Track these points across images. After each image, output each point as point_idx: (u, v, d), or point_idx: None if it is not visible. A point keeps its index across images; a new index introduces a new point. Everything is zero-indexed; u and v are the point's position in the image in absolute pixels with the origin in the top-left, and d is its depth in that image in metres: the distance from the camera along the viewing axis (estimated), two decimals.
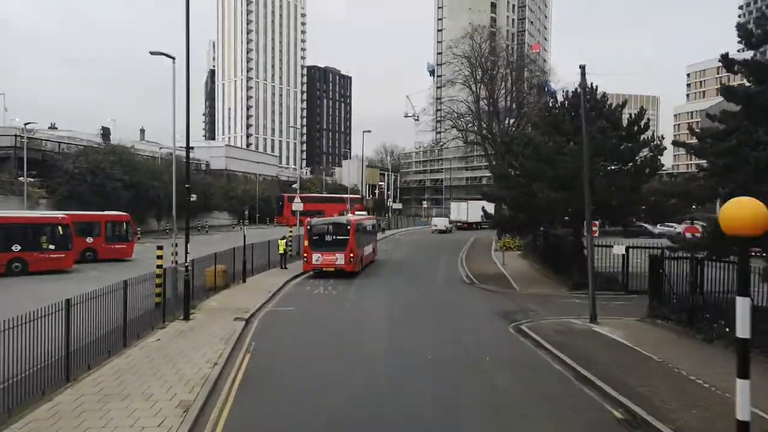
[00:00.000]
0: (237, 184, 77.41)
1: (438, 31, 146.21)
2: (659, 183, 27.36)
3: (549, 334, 15.80)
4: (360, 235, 29.15)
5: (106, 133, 57.99)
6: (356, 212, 37.21)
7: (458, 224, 71.89)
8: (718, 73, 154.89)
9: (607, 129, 23.50)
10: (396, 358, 13.48)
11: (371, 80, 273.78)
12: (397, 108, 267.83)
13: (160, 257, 18.85)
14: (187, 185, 18.79)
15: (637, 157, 24.19)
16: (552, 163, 23.95)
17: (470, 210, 69.25)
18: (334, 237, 27.33)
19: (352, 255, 27.04)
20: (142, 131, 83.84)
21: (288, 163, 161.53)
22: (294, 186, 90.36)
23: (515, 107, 44.86)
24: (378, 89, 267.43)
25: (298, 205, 37.11)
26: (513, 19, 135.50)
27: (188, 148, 18.68)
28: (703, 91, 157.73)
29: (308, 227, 27.61)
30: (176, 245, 21.03)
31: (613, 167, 23.73)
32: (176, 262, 20.03)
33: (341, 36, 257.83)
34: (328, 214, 70.56)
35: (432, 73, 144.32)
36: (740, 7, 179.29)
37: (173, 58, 19.80)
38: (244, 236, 25.15)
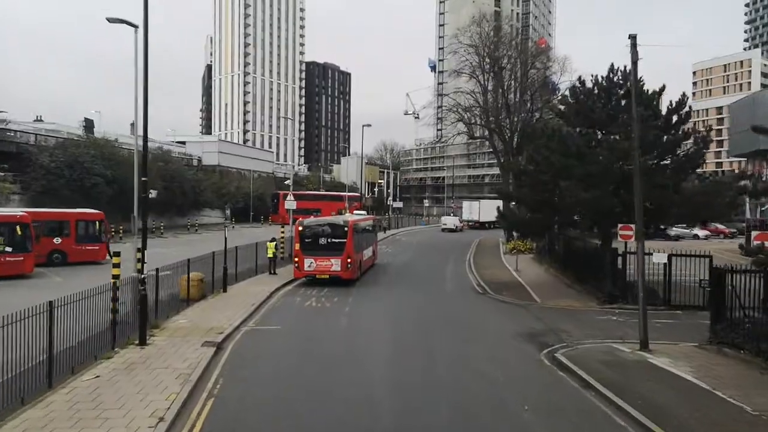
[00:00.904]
0: (230, 180, 74.07)
1: (440, 26, 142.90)
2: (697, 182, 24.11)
3: (595, 367, 12.58)
4: (359, 238, 25.94)
5: (89, 125, 54.65)
6: (354, 211, 33.90)
7: (470, 223, 70.83)
8: (725, 71, 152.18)
9: (648, 118, 20.28)
10: (407, 411, 10.23)
11: (371, 78, 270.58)
12: (397, 106, 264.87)
13: (116, 265, 15.54)
14: (143, 178, 15.46)
15: (679, 151, 20.98)
16: (582, 158, 20.75)
17: (482, 209, 68.39)
18: (329, 240, 24.09)
19: (349, 260, 23.81)
20: (132, 125, 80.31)
21: (285, 160, 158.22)
22: (289, 183, 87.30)
23: (527, 99, 41.48)
24: (378, 87, 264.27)
25: (291, 203, 33.86)
26: (517, 13, 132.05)
27: (145, 126, 15.44)
28: (710, 90, 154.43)
29: (300, 228, 24.36)
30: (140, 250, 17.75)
31: (650, 162, 20.44)
32: (140, 271, 16.75)
33: (341, 32, 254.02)
34: (325, 212, 67.55)
35: (433, 68, 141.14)
36: (746, 5, 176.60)
37: (135, 27, 16.51)
38: (225, 239, 21.87)
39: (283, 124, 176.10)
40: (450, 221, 67.94)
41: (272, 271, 26.54)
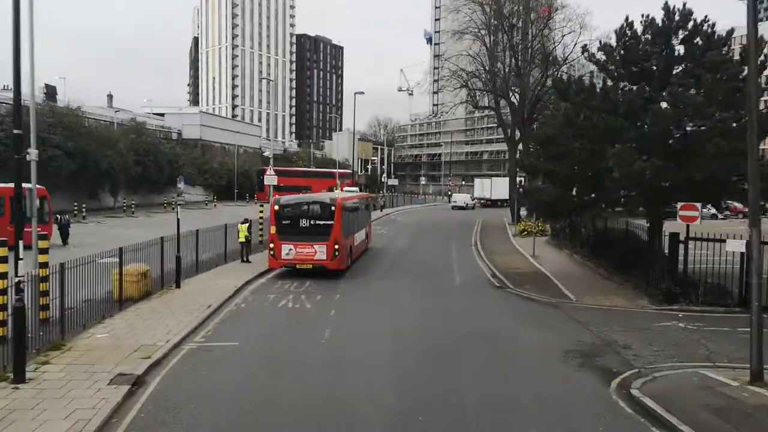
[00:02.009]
0: (213, 155, 69.12)
1: None
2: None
3: (704, 418, 8.24)
4: (349, 219, 21.40)
5: (50, 92, 49.34)
6: (345, 188, 29.13)
7: (482, 201, 70.48)
8: None
9: (719, 65, 15.69)
10: None
11: (364, 53, 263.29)
12: (391, 83, 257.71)
13: (3, 260, 10.88)
14: (16, 130, 10.76)
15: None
16: (635, 117, 16.19)
17: (494, 187, 67.89)
18: (312, 222, 19.52)
19: (337, 247, 19.28)
20: (110, 97, 74.78)
21: (276, 137, 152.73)
22: (268, 155, 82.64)
23: (542, 60, 36.56)
24: (371, 63, 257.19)
25: (270, 179, 29.18)
26: None
27: (16, 61, 10.64)
28: None
29: (276, 207, 19.74)
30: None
31: (731, 123, 15.86)
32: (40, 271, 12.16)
33: (333, 4, 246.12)
34: (315, 190, 62.80)
35: (429, 40, 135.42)
36: None
37: None
38: (178, 220, 17.19)
39: (273, 100, 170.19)
40: (460, 198, 66.41)
41: (244, 259, 22.00)
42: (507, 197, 41.58)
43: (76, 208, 39.41)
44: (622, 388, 9.81)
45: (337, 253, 19.26)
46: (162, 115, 68.99)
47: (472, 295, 18.14)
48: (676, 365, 11.07)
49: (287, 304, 15.66)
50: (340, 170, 79.78)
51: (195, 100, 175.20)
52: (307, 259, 19.27)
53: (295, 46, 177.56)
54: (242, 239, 21.83)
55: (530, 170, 22.56)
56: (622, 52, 17.82)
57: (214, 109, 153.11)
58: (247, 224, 22.00)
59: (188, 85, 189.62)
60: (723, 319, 14.88)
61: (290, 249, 19.29)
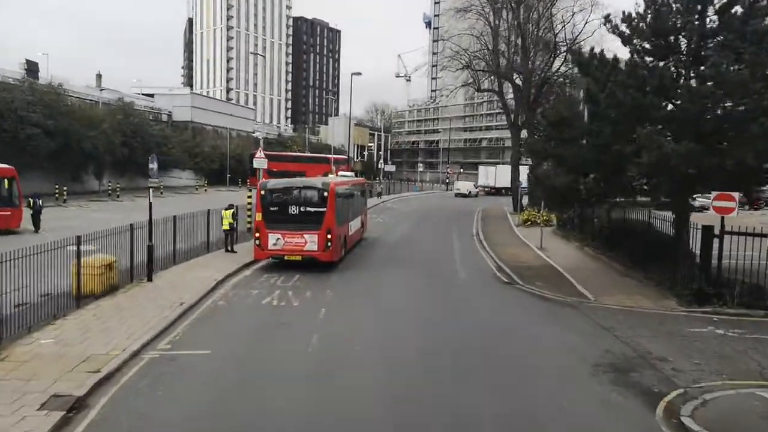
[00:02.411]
0: (204, 138, 66.96)
1: None
2: None
3: None
4: (343, 206, 19.58)
5: (32, 68, 47.00)
6: (340, 173, 27.25)
7: (486, 189, 70.51)
8: None
9: (765, 36, 13.82)
10: None
11: (362, 38, 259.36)
12: (388, 69, 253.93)
13: None
14: None
15: None
16: (665, 94, 14.36)
17: (498, 175, 67.67)
18: (303, 209, 17.68)
19: (330, 237, 17.47)
20: (99, 76, 72.22)
21: (271, 121, 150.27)
22: (258, 135, 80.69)
23: (548, 42, 34.52)
24: (369, 49, 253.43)
25: (260, 162, 27.26)
26: None
27: None
28: None
29: (262, 192, 17.88)
30: None
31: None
32: None
33: None
34: (310, 175, 61.05)
35: (429, 24, 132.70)
36: None
37: None
38: (150, 204, 15.27)
39: (269, 83, 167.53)
40: (464, 186, 66.10)
41: (229, 248, 20.16)
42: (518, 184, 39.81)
43: (57, 191, 37.46)
44: (671, 416, 8.09)
45: (329, 244, 17.45)
46: (151, 96, 66.59)
47: (478, 293, 16.37)
48: (726, 384, 9.35)
49: (272, 302, 13.86)
50: (335, 156, 77.91)
51: (189, 83, 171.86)
52: (296, 249, 17.46)
53: (291, 29, 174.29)
54: (226, 227, 19.97)
55: (540, 154, 20.65)
56: (648, 21, 15.89)
57: (208, 92, 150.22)
58: (232, 210, 20.13)
59: (182, 68, 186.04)
60: (764, 324, 13.18)
61: (278, 238, 17.46)
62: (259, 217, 17.72)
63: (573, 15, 33.31)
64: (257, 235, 17.70)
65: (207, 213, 20.19)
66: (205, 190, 55.97)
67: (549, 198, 20.61)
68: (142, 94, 66.10)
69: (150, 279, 14.99)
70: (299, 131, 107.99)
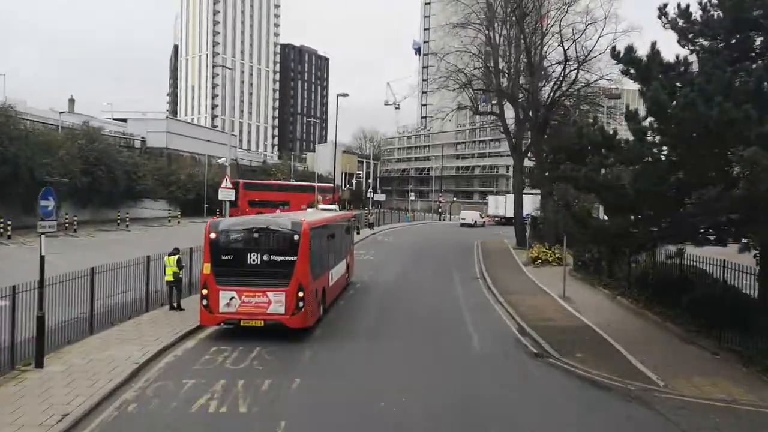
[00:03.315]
0: (180, 166, 62.61)
1: (425, 4, 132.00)
2: None
3: None
4: (321, 251, 15.21)
5: None
6: (321, 207, 22.80)
7: (496, 219, 68.69)
8: None
9: None
10: None
11: (350, 67, 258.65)
12: (377, 98, 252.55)
13: None
14: None
15: None
16: (763, 106, 10.35)
17: (509, 204, 65.04)
18: (265, 257, 13.27)
19: (301, 295, 13.05)
20: (71, 101, 67.95)
21: (258, 149, 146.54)
22: (224, 161, 76.82)
23: (563, 53, 30.66)
24: (358, 78, 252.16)
25: (226, 194, 23.04)
26: None
27: None
28: None
29: (211, 234, 13.45)
30: None
31: None
32: None
33: (319, 16, 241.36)
34: (294, 205, 56.92)
35: (418, 51, 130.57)
36: None
37: None
38: (42, 258, 10.79)
39: (255, 111, 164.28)
40: (469, 216, 64.85)
41: (174, 305, 15.64)
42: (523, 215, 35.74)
43: (1, 224, 32.79)
44: None
45: (301, 305, 13.04)
46: (124, 120, 62.36)
47: (502, 376, 11.93)
48: None
49: (208, 406, 9.32)
50: (321, 184, 73.71)
51: (174, 110, 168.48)
52: (256, 313, 13.02)
53: (279, 56, 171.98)
54: (169, 277, 15.46)
55: (577, 183, 16.39)
56: (724, 9, 11.97)
57: (192, 119, 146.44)
58: (177, 256, 15.64)
59: (168, 95, 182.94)
60: None
61: (232, 297, 13.03)
62: (207, 269, 13.27)
63: (586, 26, 29.77)
64: (204, 292, 13.22)
65: (147, 260, 15.69)
66: (178, 221, 51.35)
67: (595, 241, 16.40)
68: (114, 119, 61.85)
69: (39, 364, 10.45)
70: (284, 158, 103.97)
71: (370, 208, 64.61)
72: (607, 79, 28.94)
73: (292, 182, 69.97)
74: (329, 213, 21.29)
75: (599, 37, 29.55)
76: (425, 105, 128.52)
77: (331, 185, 77.33)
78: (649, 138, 12.14)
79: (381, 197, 71.55)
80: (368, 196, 68.05)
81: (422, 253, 35.19)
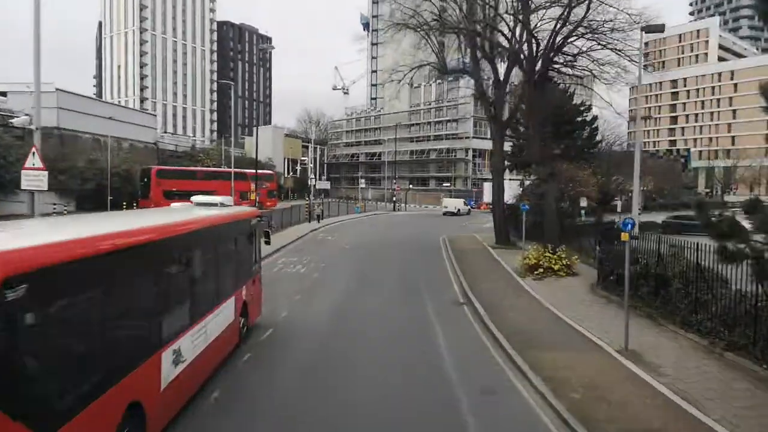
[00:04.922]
0: (78, 150, 51.27)
1: None
2: None
3: None
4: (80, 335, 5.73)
5: None
6: (195, 200, 12.62)
7: (490, 206, 59.88)
8: (680, 41, 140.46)
9: None
10: None
11: (296, 48, 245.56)
12: (325, 84, 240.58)
13: None
14: None
15: None
16: None
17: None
18: None
19: None
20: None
21: (195, 135, 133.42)
22: (159, 155, 65.62)
23: None
24: (304, 64, 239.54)
25: (33, 180, 13.07)
26: None
27: None
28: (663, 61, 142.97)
29: None
30: None
31: None
32: None
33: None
34: (221, 194, 46.82)
35: (366, 26, 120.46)
36: None
37: None
38: None
39: (191, 93, 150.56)
40: (451, 203, 63.58)
41: None
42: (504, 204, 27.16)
43: None
44: None
45: None
46: (4, 94, 50.23)
47: None
48: None
49: None
50: (257, 171, 63.51)
51: (100, 93, 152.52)
52: None
53: (216, 33, 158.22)
54: None
55: None
56: None
57: (119, 101, 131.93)
58: None
59: (94, 77, 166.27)
60: None
61: None
62: None
63: None
64: None
65: None
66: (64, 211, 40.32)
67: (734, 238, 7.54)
68: None
69: None
70: (217, 144, 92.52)
71: (312, 197, 54.92)
72: (629, 14, 20.42)
73: (220, 169, 59.30)
74: (206, 211, 11.32)
75: None
76: (375, 85, 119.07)
77: (269, 172, 67.15)
78: None
79: (325, 185, 61.98)
80: (310, 183, 58.22)
81: (375, 258, 26.11)
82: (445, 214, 61.32)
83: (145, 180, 51.10)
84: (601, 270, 18.05)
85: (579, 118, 33.74)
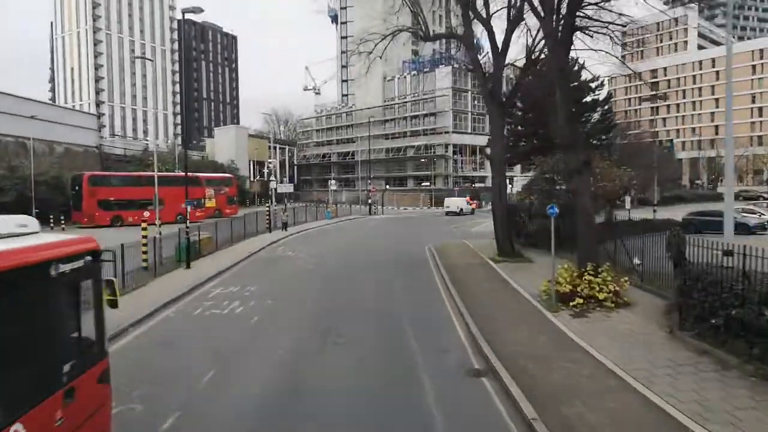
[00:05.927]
0: None
1: None
2: None
3: None
4: None
5: None
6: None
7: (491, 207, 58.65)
8: (658, 29, 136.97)
9: None
10: None
11: (265, 53, 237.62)
12: (295, 85, 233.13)
13: None
14: None
15: None
16: None
17: (515, 187, 58.19)
18: None
19: None
20: None
21: (157, 138, 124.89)
22: (97, 160, 58.57)
23: None
24: (273, 64, 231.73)
25: None
26: None
27: None
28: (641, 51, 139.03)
29: None
30: None
31: None
32: None
33: None
34: (170, 205, 40.01)
35: (335, 19, 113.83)
36: None
37: None
38: None
39: (152, 96, 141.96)
40: (453, 203, 62.84)
41: None
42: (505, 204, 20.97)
43: None
44: None
45: None
46: None
47: None
48: None
49: None
50: (210, 175, 56.56)
51: (54, 98, 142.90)
52: None
53: (176, 32, 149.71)
54: None
55: None
56: None
57: (73, 106, 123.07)
58: None
59: (49, 81, 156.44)
60: None
61: None
62: None
63: None
64: None
65: None
66: None
67: None
68: None
69: None
70: (172, 146, 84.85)
71: (273, 202, 48.02)
72: None
73: (170, 173, 51.99)
74: None
75: None
76: (346, 81, 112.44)
77: (227, 176, 60.09)
78: None
79: (287, 188, 54.99)
80: (272, 187, 51.20)
81: (344, 286, 19.49)
82: (447, 213, 60.74)
83: (77, 188, 43.72)
84: (685, 305, 11.83)
85: (589, 98, 27.75)
